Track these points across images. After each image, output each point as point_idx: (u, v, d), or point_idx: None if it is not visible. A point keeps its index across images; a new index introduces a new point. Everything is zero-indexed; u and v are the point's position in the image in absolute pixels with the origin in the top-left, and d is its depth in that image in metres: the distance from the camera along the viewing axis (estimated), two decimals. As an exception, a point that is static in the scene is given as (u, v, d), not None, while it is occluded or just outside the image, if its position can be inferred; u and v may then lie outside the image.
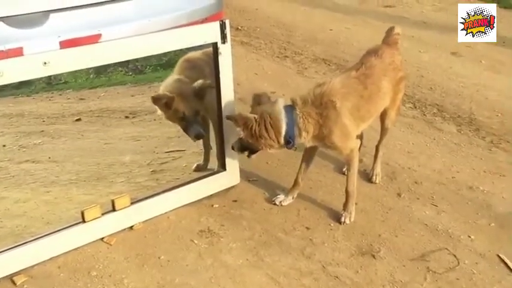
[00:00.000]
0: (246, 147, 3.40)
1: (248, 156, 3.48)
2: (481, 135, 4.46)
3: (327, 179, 3.87)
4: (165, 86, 3.64)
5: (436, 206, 3.63)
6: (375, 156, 3.91)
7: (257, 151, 3.41)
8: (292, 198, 3.67)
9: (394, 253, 3.24)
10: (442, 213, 3.57)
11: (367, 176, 3.89)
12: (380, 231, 3.41)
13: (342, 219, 3.48)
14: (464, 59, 5.81)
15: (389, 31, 3.79)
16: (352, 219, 3.49)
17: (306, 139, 3.33)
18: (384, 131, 3.84)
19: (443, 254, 3.23)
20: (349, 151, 3.42)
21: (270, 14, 7.36)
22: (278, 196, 3.67)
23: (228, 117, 3.36)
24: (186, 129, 3.64)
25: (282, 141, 3.29)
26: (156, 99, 3.58)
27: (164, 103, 3.54)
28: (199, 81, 3.58)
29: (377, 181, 3.85)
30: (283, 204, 3.64)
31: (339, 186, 3.75)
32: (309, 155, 3.62)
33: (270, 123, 3.25)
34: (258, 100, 3.39)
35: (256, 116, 3.26)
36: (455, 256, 3.21)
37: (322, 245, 3.30)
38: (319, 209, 3.60)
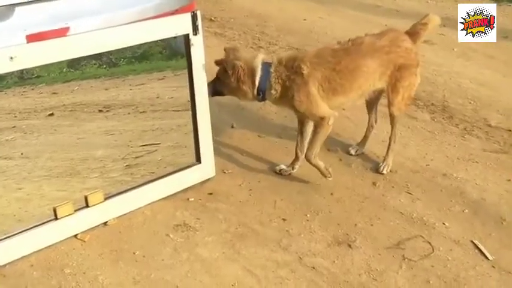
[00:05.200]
0: (218, 92, 3.65)
1: (212, 95, 3.63)
2: (454, 123, 4.50)
3: (303, 170, 3.85)
4: None
5: (411, 194, 3.66)
6: (387, 147, 3.91)
7: (224, 95, 3.69)
8: (293, 169, 3.80)
9: (370, 242, 3.25)
10: (417, 201, 3.59)
11: (347, 167, 3.91)
12: (356, 221, 3.42)
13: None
14: (436, 47, 5.83)
15: (422, 19, 3.85)
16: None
17: (274, 97, 3.56)
18: (390, 118, 3.83)
19: (418, 241, 3.26)
20: (318, 119, 3.52)
21: (244, 4, 7.31)
22: (280, 165, 3.82)
23: (218, 62, 3.60)
24: None
25: (255, 92, 3.54)
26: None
27: None
28: None
29: (384, 171, 3.84)
30: (282, 173, 3.80)
31: (316, 176, 3.75)
32: (302, 126, 3.73)
33: (248, 73, 3.50)
34: (231, 53, 3.63)
35: (242, 64, 3.50)
36: (430, 243, 3.23)
37: (298, 236, 3.30)
38: (296, 200, 3.60)
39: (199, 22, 3.32)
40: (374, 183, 3.76)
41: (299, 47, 5.97)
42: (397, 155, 4.01)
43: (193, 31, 3.32)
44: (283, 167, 3.83)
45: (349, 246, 3.23)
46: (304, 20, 6.81)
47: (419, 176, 3.83)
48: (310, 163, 3.63)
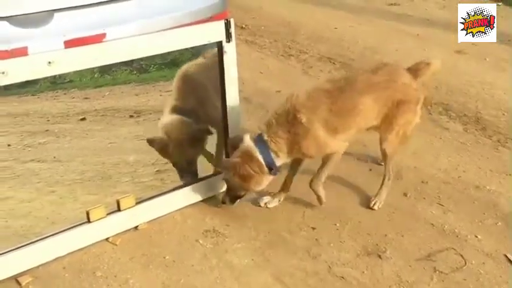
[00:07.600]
0: (235, 196, 3.45)
1: (232, 202, 3.48)
2: (487, 134, 4.44)
3: (332, 180, 3.83)
4: (164, 124, 3.63)
5: (443, 205, 3.61)
6: (381, 182, 3.64)
7: (244, 195, 3.46)
8: (279, 201, 3.63)
9: (400, 253, 3.22)
10: (449, 213, 3.54)
11: (377, 177, 3.79)
12: (386, 231, 3.39)
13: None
14: (468, 57, 5.78)
15: (426, 59, 3.66)
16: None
17: (285, 158, 3.36)
18: (382, 155, 3.61)
19: (450, 254, 3.21)
20: (329, 152, 3.40)
21: (275, 12, 7.33)
22: (264, 198, 3.63)
23: (220, 167, 3.48)
24: (178, 173, 3.72)
25: (266, 170, 3.30)
26: (150, 142, 3.64)
27: (158, 148, 3.63)
28: (196, 128, 3.61)
29: (375, 207, 3.57)
30: (268, 206, 3.60)
31: (345, 185, 3.75)
32: (296, 161, 3.57)
33: (249, 160, 3.27)
34: (234, 144, 3.39)
35: (239, 160, 3.28)
36: (462, 256, 3.19)
37: (328, 245, 3.29)
38: (325, 209, 3.57)
39: (232, 29, 3.34)
40: (405, 194, 3.73)
41: (330, 56, 5.97)
42: (428, 166, 3.98)
43: (226, 38, 3.34)
44: (267, 199, 3.63)
45: (379, 256, 3.20)
46: (335, 28, 6.80)
47: (451, 188, 3.78)
48: (314, 190, 3.50)
